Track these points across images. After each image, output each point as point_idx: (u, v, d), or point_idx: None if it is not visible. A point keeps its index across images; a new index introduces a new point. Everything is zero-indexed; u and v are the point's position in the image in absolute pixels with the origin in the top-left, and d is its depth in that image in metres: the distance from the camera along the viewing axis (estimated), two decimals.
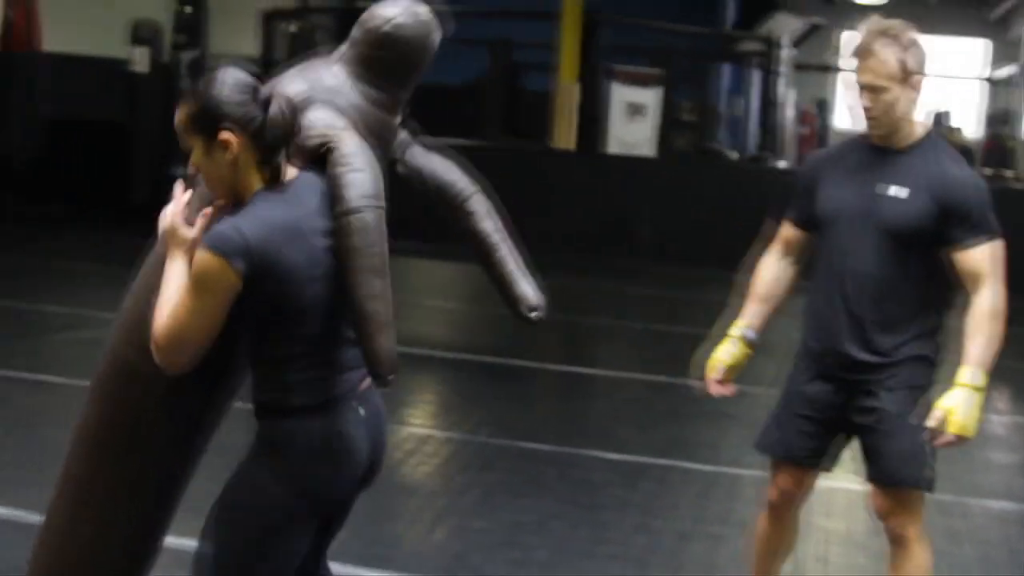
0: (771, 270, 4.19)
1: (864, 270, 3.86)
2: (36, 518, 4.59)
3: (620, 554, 5.32)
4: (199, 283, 2.74)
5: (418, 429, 7.25)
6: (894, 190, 3.82)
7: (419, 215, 15.25)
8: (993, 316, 3.74)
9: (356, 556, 5.10)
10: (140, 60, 13.87)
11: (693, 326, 10.81)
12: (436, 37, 3.12)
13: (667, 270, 14.33)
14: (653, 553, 5.37)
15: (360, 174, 2.86)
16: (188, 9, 13.34)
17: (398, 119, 3.22)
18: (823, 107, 26.46)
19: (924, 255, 3.82)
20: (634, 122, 16.15)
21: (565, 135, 16.02)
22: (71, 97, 15.31)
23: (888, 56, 3.73)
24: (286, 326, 2.85)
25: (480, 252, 3.43)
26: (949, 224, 3.76)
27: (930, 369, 3.91)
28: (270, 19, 19.07)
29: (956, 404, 3.69)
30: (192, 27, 13.39)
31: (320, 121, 2.94)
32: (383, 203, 2.89)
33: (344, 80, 3.06)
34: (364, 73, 3.07)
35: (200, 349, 2.81)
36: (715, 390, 4.23)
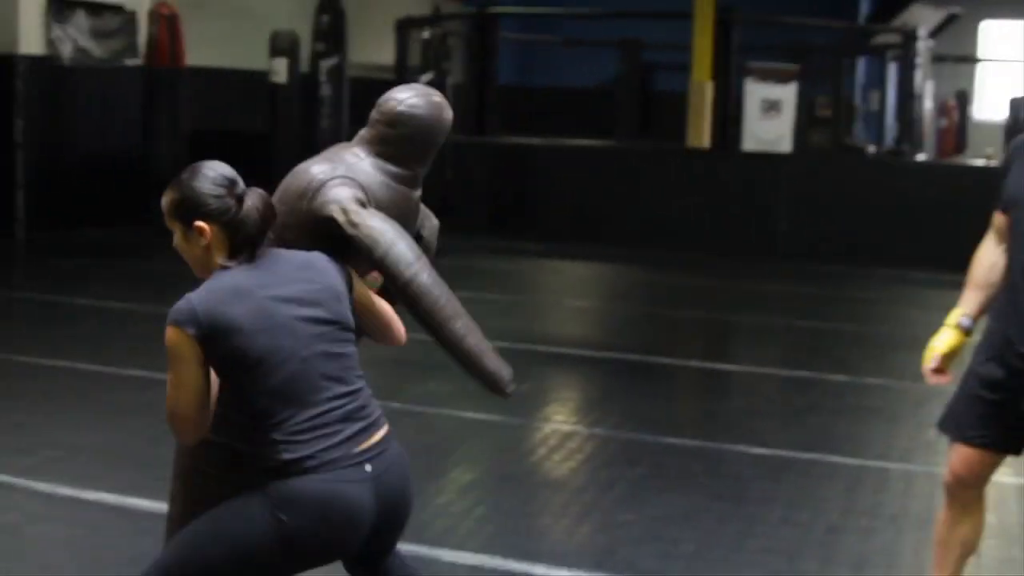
0: (987, 257, 4.05)
1: None
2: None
3: (769, 547, 5.31)
4: (171, 356, 3.00)
5: (561, 426, 7.30)
6: None
7: (557, 218, 15.38)
8: None
9: (505, 549, 5.19)
10: (279, 71, 14.14)
11: (834, 322, 10.82)
12: (448, 116, 3.46)
13: (806, 267, 14.21)
14: (802, 546, 5.35)
15: (396, 248, 3.17)
16: (327, 18, 13.56)
17: (418, 192, 3.50)
18: (963, 99, 25.92)
19: None
20: (770, 119, 16.03)
21: (700, 134, 15.96)
22: (214, 109, 15.71)
23: None
24: (253, 378, 3.01)
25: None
26: None
27: None
28: (404, 27, 19.33)
29: None
30: (331, 36, 13.61)
31: (343, 196, 3.22)
32: (425, 260, 3.21)
33: (364, 158, 3.38)
34: (382, 150, 3.39)
35: (200, 414, 3.02)
36: (931, 379, 4.08)
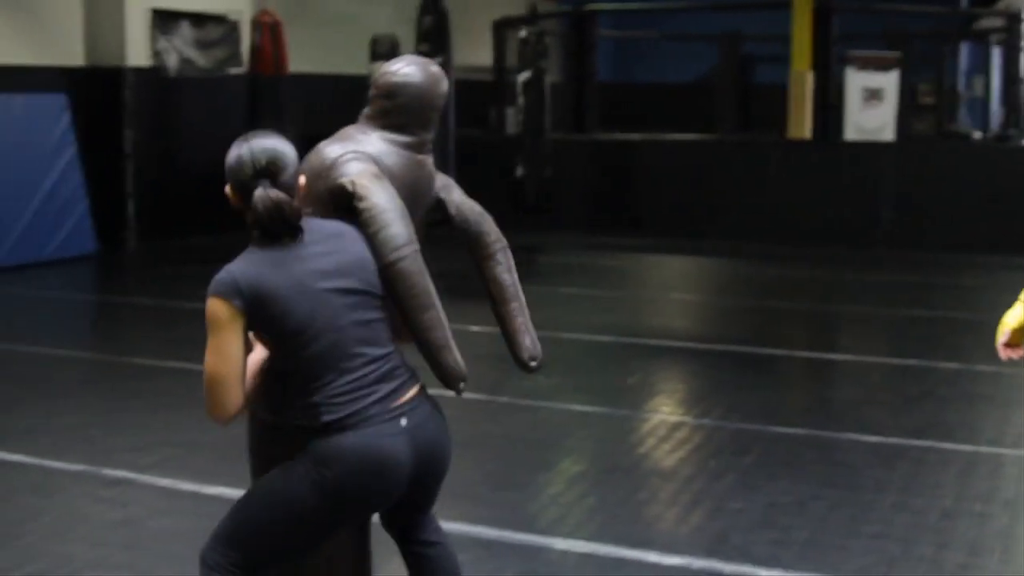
0: None
1: None
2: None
3: (883, 533, 5.29)
4: (213, 326, 3.14)
5: (669, 417, 7.31)
6: None
7: (658, 213, 15.35)
8: None
9: (616, 537, 5.23)
10: None
11: (943, 310, 10.69)
12: (442, 81, 3.54)
13: (912, 256, 14.03)
14: (916, 532, 5.31)
15: (390, 229, 3.24)
16: (430, 20, 13.63)
17: (429, 157, 3.58)
18: None
19: None
20: (872, 107, 15.82)
21: (801, 125, 15.82)
22: (316, 115, 15.89)
23: None
24: (294, 347, 3.16)
25: (497, 299, 3.75)
26: None
27: None
28: (501, 27, 19.41)
29: None
30: (435, 37, 13.68)
31: (353, 169, 3.32)
32: (417, 245, 3.27)
33: (370, 133, 3.48)
34: (386, 122, 3.49)
35: (238, 385, 3.17)
36: (1003, 353, 4.11)
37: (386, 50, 14.33)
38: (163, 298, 11.05)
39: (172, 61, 14.82)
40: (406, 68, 3.52)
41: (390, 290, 3.27)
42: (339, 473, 3.14)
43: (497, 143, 17.57)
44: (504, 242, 3.79)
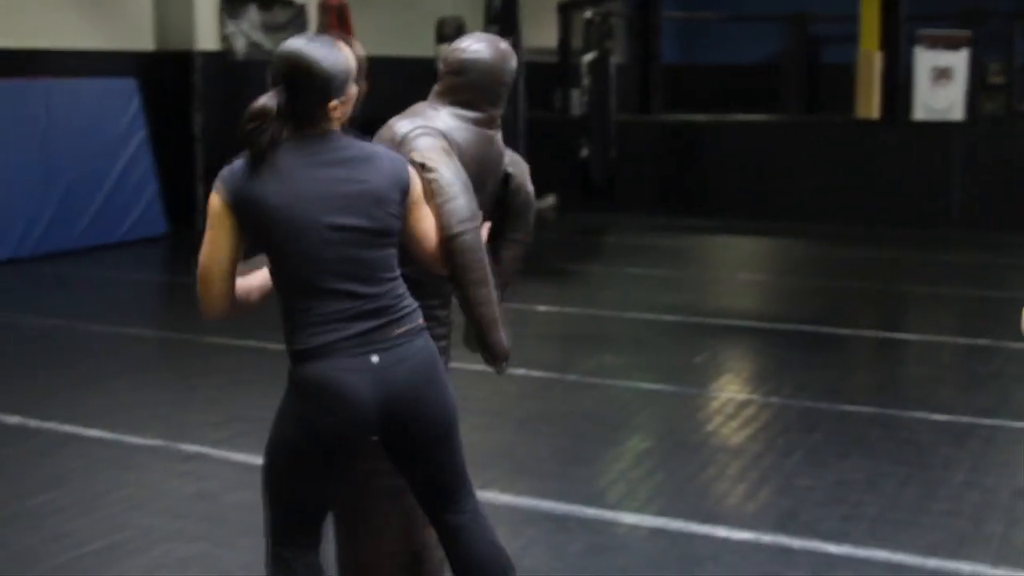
0: None
1: None
2: (260, 460, 4.97)
3: (953, 510, 5.28)
4: (208, 217, 3.17)
5: (736, 395, 7.32)
6: None
7: (724, 194, 15.33)
8: None
9: (686, 512, 5.26)
10: None
11: (1012, 290, 10.57)
12: (511, 58, 3.62)
13: (981, 236, 13.90)
14: (987, 509, 5.30)
15: (455, 202, 3.27)
16: (499, 2, 13.65)
17: (498, 133, 3.63)
18: None
19: None
20: (941, 87, 15.67)
21: (869, 105, 15.71)
22: (381, 97, 15.98)
23: None
24: (274, 262, 3.17)
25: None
26: None
27: None
28: (566, 8, 19.40)
29: None
30: (504, 20, 13.69)
31: (423, 144, 3.37)
32: (479, 222, 3.31)
33: (440, 109, 3.54)
34: (455, 99, 3.55)
35: (224, 283, 3.17)
36: None
37: (452, 32, 14.36)
38: None
39: (240, 45, 14.96)
40: (476, 45, 3.59)
41: (448, 261, 3.29)
42: (305, 404, 3.13)
43: (562, 124, 17.59)
44: (531, 238, 3.86)
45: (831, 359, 8.26)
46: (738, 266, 13.00)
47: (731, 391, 7.50)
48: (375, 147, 3.26)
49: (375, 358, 3.14)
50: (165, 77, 14.19)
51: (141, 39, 14.42)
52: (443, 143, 3.41)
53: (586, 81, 15.12)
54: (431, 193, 3.30)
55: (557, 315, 9.68)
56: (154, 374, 8.00)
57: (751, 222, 15.07)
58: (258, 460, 5.80)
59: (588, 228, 15.06)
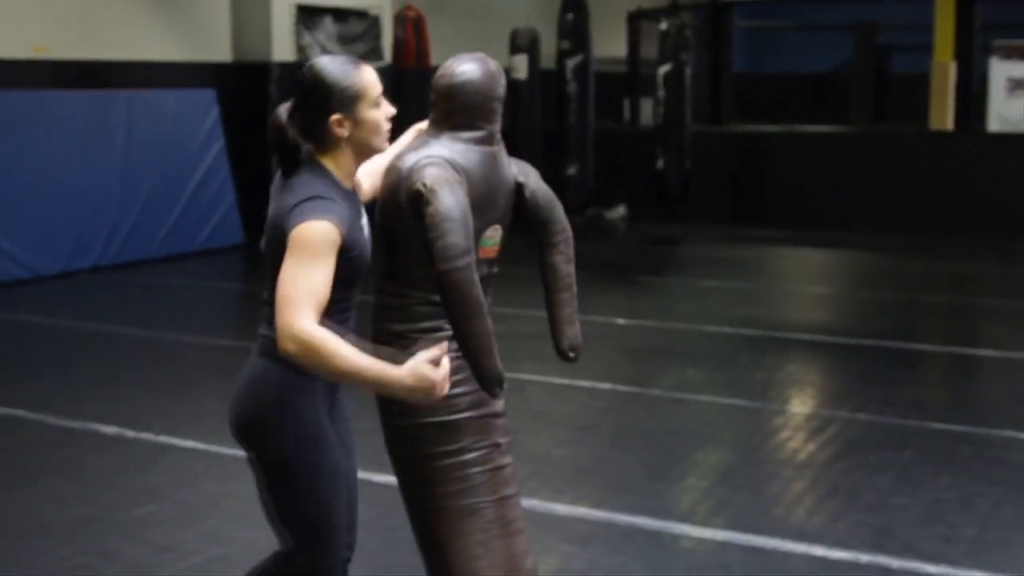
0: None
1: None
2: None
3: None
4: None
5: (822, 411, 7.33)
6: None
7: (795, 205, 15.17)
8: None
9: (782, 530, 5.28)
10: (519, 68, 14.39)
11: None
12: (499, 74, 3.61)
13: None
14: None
15: (445, 239, 3.28)
16: (571, 16, 13.74)
17: (501, 147, 3.62)
18: None
19: None
20: (1016, 98, 15.56)
21: (943, 116, 15.62)
22: None
23: None
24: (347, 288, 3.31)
25: (551, 287, 3.84)
26: None
27: None
28: (635, 19, 19.45)
29: None
30: (576, 33, 13.78)
31: (428, 174, 3.36)
32: (471, 257, 3.30)
33: (440, 136, 3.52)
34: (451, 123, 3.53)
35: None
36: None
37: (525, 44, 14.47)
38: None
39: (315, 55, 15.10)
40: (461, 67, 3.57)
41: (440, 296, 3.33)
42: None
43: (631, 134, 17.63)
44: (569, 232, 3.85)
45: (914, 375, 8.25)
46: (812, 279, 12.97)
47: (815, 407, 7.51)
48: (304, 186, 3.21)
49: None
50: (242, 88, 14.38)
51: (219, 51, 14.63)
52: (450, 172, 3.42)
53: (661, 92, 15.13)
54: (426, 227, 3.33)
55: (637, 328, 9.71)
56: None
57: (822, 233, 15.03)
58: (360, 473, 5.92)
59: (661, 239, 15.08)
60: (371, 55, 15.85)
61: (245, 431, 3.34)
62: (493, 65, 3.63)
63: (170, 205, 13.15)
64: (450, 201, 3.33)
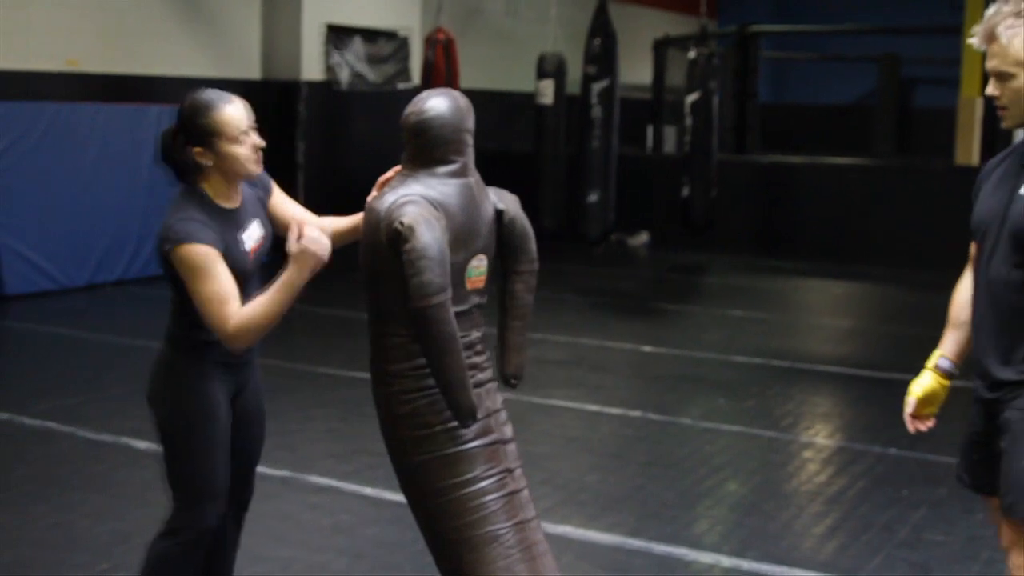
0: (963, 294, 3.75)
1: (998, 279, 3.42)
2: (390, 495, 5.10)
3: None
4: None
5: (853, 444, 7.30)
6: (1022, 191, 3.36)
7: (818, 236, 15.08)
8: None
9: (818, 565, 5.26)
10: (546, 92, 14.40)
11: None
12: (466, 107, 3.65)
13: None
14: None
15: (423, 276, 3.34)
16: (598, 41, 13.77)
17: (475, 178, 3.67)
18: None
19: None
20: None
21: (969, 151, 15.61)
22: (483, 130, 16.12)
23: (1014, 40, 3.30)
24: None
25: (508, 313, 3.89)
26: None
27: None
28: (661, 46, 19.50)
29: None
30: (603, 59, 13.81)
31: (407, 212, 3.42)
32: (448, 294, 3.38)
33: (414, 173, 3.58)
34: (424, 159, 3.58)
35: None
36: (911, 426, 3.89)
37: (552, 68, 14.50)
38: (335, 308, 11.31)
39: (344, 76, 15.18)
40: (428, 103, 3.60)
41: (415, 331, 3.40)
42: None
43: (655, 161, 17.65)
44: (537, 266, 3.90)
45: (946, 411, 8.15)
46: (837, 311, 12.94)
47: (847, 440, 7.48)
48: (175, 209, 3.69)
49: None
50: (271, 105, 14.42)
51: (249, 68, 14.69)
52: (427, 208, 3.46)
53: (688, 120, 15.15)
54: (404, 264, 3.37)
55: (664, 356, 9.71)
56: (271, 404, 8.07)
57: (845, 266, 15.02)
58: (388, 495, 5.95)
59: (685, 267, 15.09)
60: (399, 76, 15.92)
61: (148, 402, 3.92)
62: (461, 99, 3.68)
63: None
64: (428, 238, 3.37)
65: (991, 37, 3.34)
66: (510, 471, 3.64)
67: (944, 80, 18.15)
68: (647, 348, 9.91)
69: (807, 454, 7.10)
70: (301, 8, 14.68)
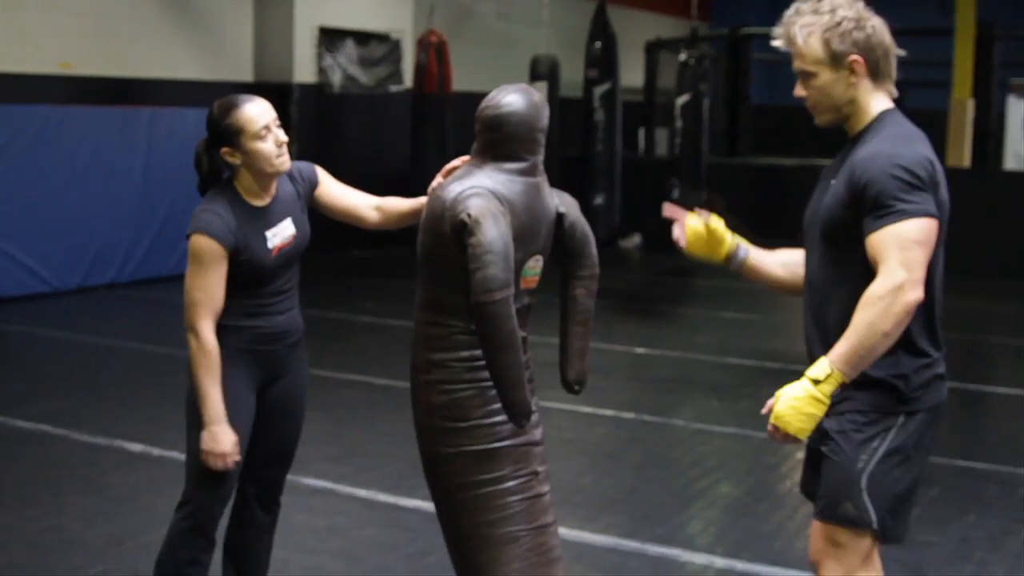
0: (796, 254, 3.81)
1: (811, 276, 3.47)
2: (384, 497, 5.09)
3: None
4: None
5: None
6: (832, 183, 3.38)
7: (797, 237, 15.02)
8: (869, 303, 3.10)
9: (802, 562, 5.25)
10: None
11: None
12: (543, 105, 3.62)
13: None
14: None
15: (487, 270, 3.31)
16: (599, 45, 13.79)
17: (543, 178, 3.64)
18: None
19: (862, 256, 3.21)
20: None
21: (960, 153, 15.64)
22: (468, 133, 16.15)
23: (809, 39, 3.31)
24: None
25: (569, 318, 3.86)
26: (860, 211, 3.20)
27: (889, 394, 3.28)
28: (653, 49, 19.50)
29: (785, 393, 3.22)
30: (604, 62, 13.83)
31: (473, 204, 3.40)
32: (510, 290, 3.34)
33: (483, 167, 3.55)
34: (496, 154, 3.55)
35: None
36: (666, 211, 3.94)
37: (545, 71, 14.51)
38: (331, 310, 11.32)
39: (336, 78, 15.18)
40: (506, 98, 3.57)
41: (476, 325, 3.37)
42: None
43: (647, 164, 17.65)
44: (598, 270, 3.87)
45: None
46: None
47: None
48: (203, 202, 3.93)
49: None
50: None
51: (241, 71, 14.70)
52: (494, 202, 3.44)
53: (679, 123, 15.17)
54: (468, 258, 3.35)
55: (658, 358, 9.72)
56: None
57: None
58: (384, 497, 5.96)
59: (677, 269, 15.09)
60: (392, 79, 15.92)
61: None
62: (537, 96, 3.64)
63: (188, 223, 13.12)
64: (493, 233, 3.35)
65: (789, 39, 3.35)
66: (536, 474, 3.64)
67: (935, 82, 18.15)
68: (640, 350, 9.93)
69: (800, 455, 7.08)
70: (293, 10, 14.69)
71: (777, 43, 3.39)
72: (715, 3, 25.01)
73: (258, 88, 14.63)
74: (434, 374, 3.55)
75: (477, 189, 3.47)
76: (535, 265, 3.63)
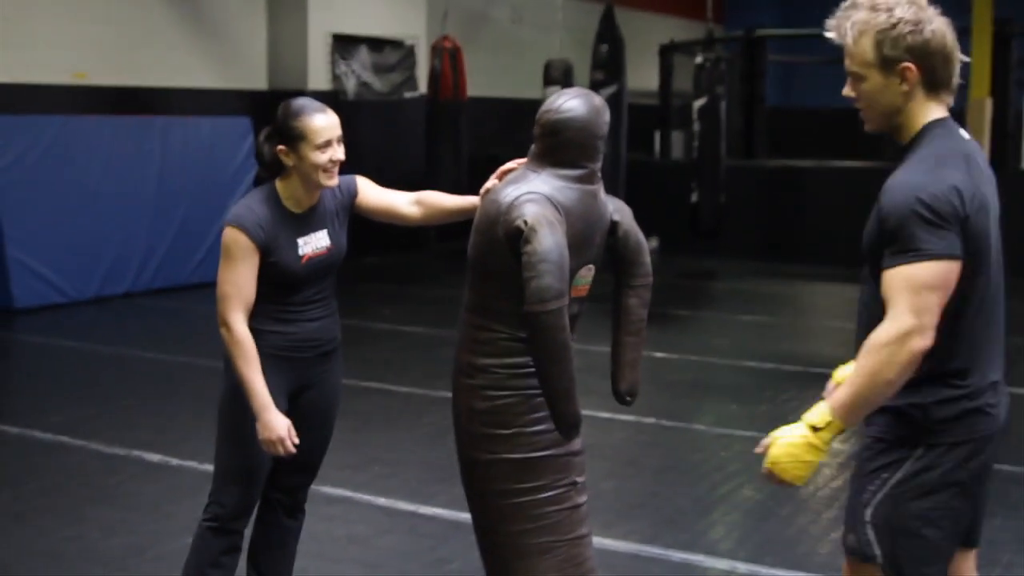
0: None
1: (863, 288, 3.31)
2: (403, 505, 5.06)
3: None
4: None
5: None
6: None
7: (827, 240, 15.00)
8: (875, 349, 2.94)
9: (826, 567, 5.22)
10: None
11: None
12: (604, 111, 3.56)
13: None
14: None
15: (542, 280, 3.25)
16: (606, 47, 13.74)
17: (600, 185, 3.60)
18: None
19: None
20: None
21: None
22: (490, 136, 16.14)
23: (860, 39, 3.07)
24: None
25: (622, 328, 3.77)
26: (882, 241, 3.07)
27: (910, 424, 3.08)
28: (667, 52, 19.45)
29: (780, 436, 3.09)
30: (610, 65, 13.78)
31: (529, 211, 3.35)
32: (564, 300, 3.28)
33: (541, 172, 3.50)
34: (553, 159, 3.50)
35: None
36: None
37: (559, 75, 14.45)
38: (347, 317, 11.25)
39: (351, 85, 15.18)
40: (567, 103, 3.52)
41: (527, 335, 3.33)
42: None
43: (663, 167, 17.61)
44: (651, 279, 3.79)
45: None
46: (849, 315, 12.76)
47: (853, 444, 7.43)
48: (245, 196, 4.01)
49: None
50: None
51: (255, 79, 14.70)
52: (550, 210, 3.39)
53: (696, 125, 15.11)
54: (523, 266, 3.30)
55: (676, 362, 9.67)
56: None
57: (855, 269, 14.90)
58: (403, 505, 5.92)
59: (695, 272, 15.06)
60: (406, 85, 15.90)
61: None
62: (598, 101, 3.58)
63: (203, 232, 13.13)
64: (550, 242, 3.29)
65: (841, 34, 3.12)
66: (575, 484, 3.59)
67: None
68: (659, 354, 9.87)
69: (822, 459, 7.04)
70: (307, 18, 14.69)
71: (830, 35, 3.15)
72: (729, 5, 24.94)
73: (272, 96, 14.62)
74: (477, 379, 3.50)
75: (534, 195, 3.42)
76: (587, 274, 3.58)
